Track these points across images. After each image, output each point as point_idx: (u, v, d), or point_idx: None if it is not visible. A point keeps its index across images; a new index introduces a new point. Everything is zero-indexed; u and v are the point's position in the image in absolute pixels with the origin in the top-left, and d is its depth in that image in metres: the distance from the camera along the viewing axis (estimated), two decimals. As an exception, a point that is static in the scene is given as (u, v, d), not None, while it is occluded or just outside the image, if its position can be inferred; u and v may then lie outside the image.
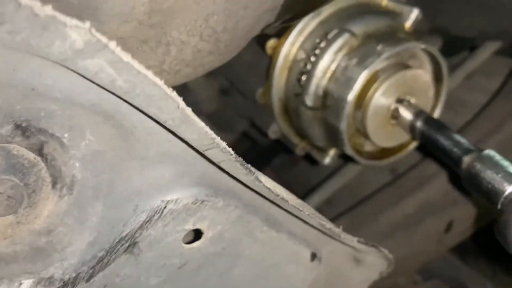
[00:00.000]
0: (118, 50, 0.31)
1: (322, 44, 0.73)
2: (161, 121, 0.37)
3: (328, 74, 0.73)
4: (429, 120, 0.71)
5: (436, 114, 0.82)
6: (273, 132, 0.89)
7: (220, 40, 0.52)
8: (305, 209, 0.50)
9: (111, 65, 0.32)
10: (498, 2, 0.81)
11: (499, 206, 0.57)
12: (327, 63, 0.73)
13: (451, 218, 1.06)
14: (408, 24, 0.77)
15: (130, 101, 0.35)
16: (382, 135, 0.76)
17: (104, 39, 0.30)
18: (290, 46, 0.77)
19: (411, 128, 0.71)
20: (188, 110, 0.35)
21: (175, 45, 0.50)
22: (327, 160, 0.87)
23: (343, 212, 1.13)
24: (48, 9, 0.28)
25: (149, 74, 0.32)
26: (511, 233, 0.54)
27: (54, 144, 0.42)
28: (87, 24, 0.30)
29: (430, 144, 0.69)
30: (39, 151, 0.42)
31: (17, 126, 0.40)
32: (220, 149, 0.38)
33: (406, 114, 0.73)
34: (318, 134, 0.81)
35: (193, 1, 0.46)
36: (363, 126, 0.74)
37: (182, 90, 1.07)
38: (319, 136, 0.82)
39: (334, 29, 0.74)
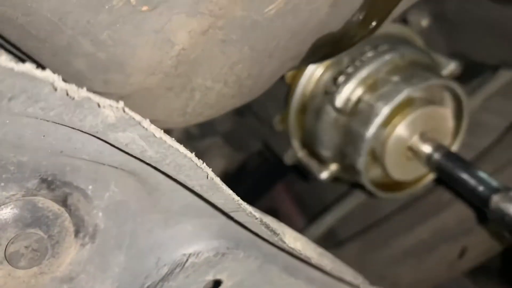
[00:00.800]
0: (152, 128, 0.31)
1: (370, 54, 0.73)
2: (189, 186, 0.36)
3: (369, 81, 0.73)
4: (451, 156, 0.70)
5: (454, 148, 0.81)
6: (288, 158, 0.89)
7: (244, 85, 0.51)
8: (324, 259, 0.50)
9: (143, 139, 0.32)
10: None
11: None
12: (372, 71, 0.73)
13: (465, 244, 1.05)
14: (444, 72, 0.77)
15: (160, 168, 0.35)
16: (398, 166, 0.75)
17: (137, 117, 0.30)
18: (310, 76, 0.77)
19: (430, 163, 0.70)
20: (217, 179, 0.35)
21: (200, 90, 0.50)
22: (324, 174, 0.84)
23: (356, 233, 1.13)
24: (83, 92, 0.28)
25: (181, 147, 0.32)
26: None
27: (78, 195, 0.42)
28: (121, 104, 0.30)
29: (451, 180, 0.69)
30: (63, 202, 0.42)
31: (43, 180, 0.40)
32: (246, 213, 0.38)
33: (425, 149, 0.72)
34: (330, 142, 0.79)
35: (219, 50, 0.46)
36: (381, 155, 0.73)
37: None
38: (330, 145, 0.80)
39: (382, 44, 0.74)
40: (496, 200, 0.59)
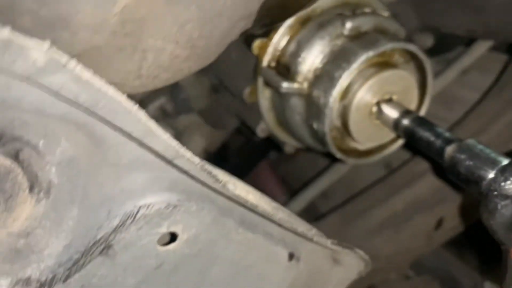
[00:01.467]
0: (78, 68, 0.32)
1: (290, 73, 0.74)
2: (128, 132, 0.38)
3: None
4: (412, 116, 0.71)
5: (422, 113, 0.82)
6: (261, 130, 0.90)
7: (197, 46, 0.53)
8: (279, 212, 0.52)
9: (74, 82, 0.33)
10: (483, 3, 0.81)
11: (482, 192, 0.58)
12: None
13: (441, 215, 1.06)
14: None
15: (96, 113, 0.36)
16: (362, 131, 0.77)
17: (64, 58, 0.31)
18: (275, 46, 0.78)
19: (395, 126, 0.71)
20: (151, 123, 0.36)
21: (152, 51, 0.51)
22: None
23: (335, 207, 1.15)
24: (6, 32, 0.29)
25: (110, 90, 0.34)
26: (496, 216, 0.55)
27: (30, 150, 0.44)
28: (46, 44, 0.31)
29: (413, 139, 0.70)
30: (15, 158, 0.43)
31: (-8, 135, 0.41)
32: (186, 159, 0.39)
33: (390, 112, 0.73)
34: (296, 111, 0.80)
35: (167, 10, 0.47)
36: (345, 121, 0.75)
37: (173, 87, 1.08)
38: (296, 119, 0.80)
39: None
40: (449, 150, 0.60)
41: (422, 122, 0.68)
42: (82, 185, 0.45)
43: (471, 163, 0.58)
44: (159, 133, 0.37)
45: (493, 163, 0.57)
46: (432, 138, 0.64)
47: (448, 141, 0.62)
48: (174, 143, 0.38)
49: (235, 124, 1.10)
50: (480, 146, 0.59)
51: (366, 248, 1.08)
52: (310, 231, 0.54)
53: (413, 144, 0.69)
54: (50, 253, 0.46)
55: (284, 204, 1.27)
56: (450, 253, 1.51)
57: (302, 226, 0.53)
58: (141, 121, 0.36)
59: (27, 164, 0.44)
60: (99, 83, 0.33)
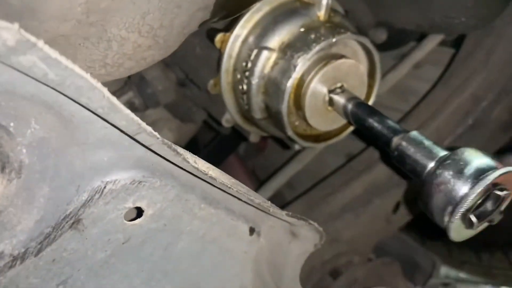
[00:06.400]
0: (46, 48, 0.35)
1: (249, 65, 0.80)
2: (93, 110, 0.42)
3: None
4: (361, 105, 0.77)
5: (371, 101, 0.88)
6: (226, 121, 0.94)
7: (158, 35, 0.57)
8: (237, 187, 0.56)
9: (43, 61, 0.37)
10: (428, 1, 0.88)
11: (422, 180, 0.64)
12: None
13: (398, 199, 1.13)
14: (321, 13, 0.82)
15: (63, 92, 0.40)
16: (319, 119, 0.82)
17: (33, 39, 0.35)
18: (235, 39, 0.82)
19: (346, 113, 0.77)
20: (114, 99, 0.40)
21: (116, 40, 0.55)
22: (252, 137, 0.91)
23: (300, 195, 1.20)
24: (-21, 13, 0.33)
25: (76, 67, 0.37)
26: (432, 202, 0.61)
27: (1, 132, 0.47)
28: (16, 25, 0.34)
29: (364, 127, 0.75)
30: (-13, 139, 0.46)
31: (-36, 117, 0.44)
32: (147, 133, 0.43)
33: (341, 100, 0.79)
34: (257, 97, 0.86)
35: (129, 0, 0.51)
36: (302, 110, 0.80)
37: (140, 81, 1.10)
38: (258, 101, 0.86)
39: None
40: (396, 141, 0.66)
41: (371, 112, 0.73)
42: (52, 164, 0.49)
43: (414, 154, 0.63)
44: (122, 108, 0.41)
45: (433, 155, 0.63)
46: (380, 128, 0.69)
47: (395, 132, 0.67)
48: (136, 118, 0.42)
49: (202, 117, 1.14)
50: (422, 138, 0.65)
51: (329, 231, 1.14)
52: (266, 203, 0.58)
53: (363, 132, 0.75)
54: (22, 229, 0.49)
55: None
56: (412, 240, 1.59)
57: (258, 199, 0.58)
58: (105, 97, 0.39)
59: (-2, 145, 0.47)
60: (65, 61, 0.37)
